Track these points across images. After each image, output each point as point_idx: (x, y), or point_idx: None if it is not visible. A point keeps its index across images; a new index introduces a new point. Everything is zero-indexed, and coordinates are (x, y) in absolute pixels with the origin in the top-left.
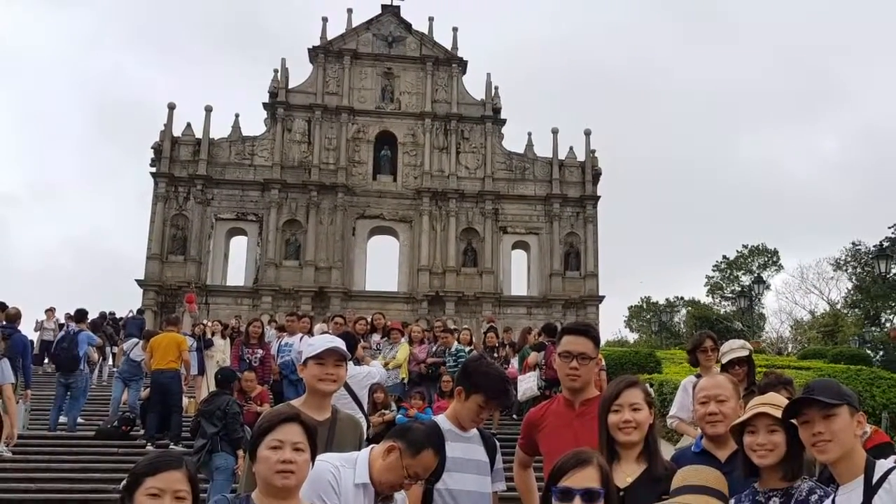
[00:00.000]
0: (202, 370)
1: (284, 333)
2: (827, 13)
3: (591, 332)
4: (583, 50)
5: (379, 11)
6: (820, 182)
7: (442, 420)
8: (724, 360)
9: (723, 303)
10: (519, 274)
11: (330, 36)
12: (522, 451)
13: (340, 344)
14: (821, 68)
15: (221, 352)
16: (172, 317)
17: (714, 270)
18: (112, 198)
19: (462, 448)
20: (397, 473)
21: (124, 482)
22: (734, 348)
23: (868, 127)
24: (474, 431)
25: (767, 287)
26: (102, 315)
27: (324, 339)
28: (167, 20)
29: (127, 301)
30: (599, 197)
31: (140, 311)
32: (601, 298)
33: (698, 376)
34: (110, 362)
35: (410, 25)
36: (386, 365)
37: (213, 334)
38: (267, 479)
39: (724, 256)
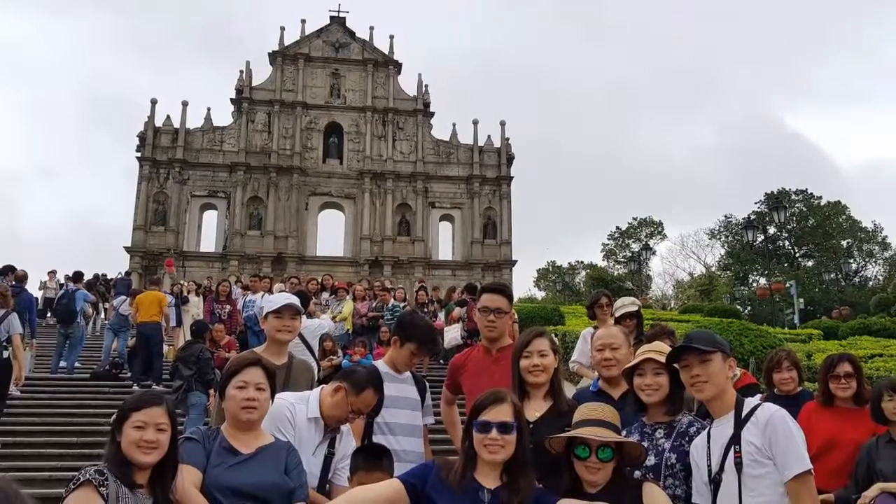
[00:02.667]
0: (179, 322)
1: (248, 292)
2: (695, 19)
3: (505, 291)
4: (500, 53)
5: (328, 21)
6: (698, 164)
7: (380, 364)
8: (617, 314)
9: (616, 266)
10: (445, 242)
11: (286, 42)
12: (448, 390)
13: (295, 301)
14: (695, 67)
15: (196, 307)
16: (154, 278)
17: (609, 239)
18: (104, 178)
19: (397, 388)
20: (343, 409)
21: (115, 416)
22: (626, 304)
23: (736, 118)
24: (408, 374)
25: (653, 253)
26: (96, 276)
27: (282, 297)
28: (152, 28)
29: (116, 264)
30: (513, 177)
31: (127, 273)
32: (514, 262)
33: (595, 328)
34: (102, 316)
35: (354, 33)
36: (334, 318)
37: (188, 293)
38: (234, 413)
39: (618, 227)
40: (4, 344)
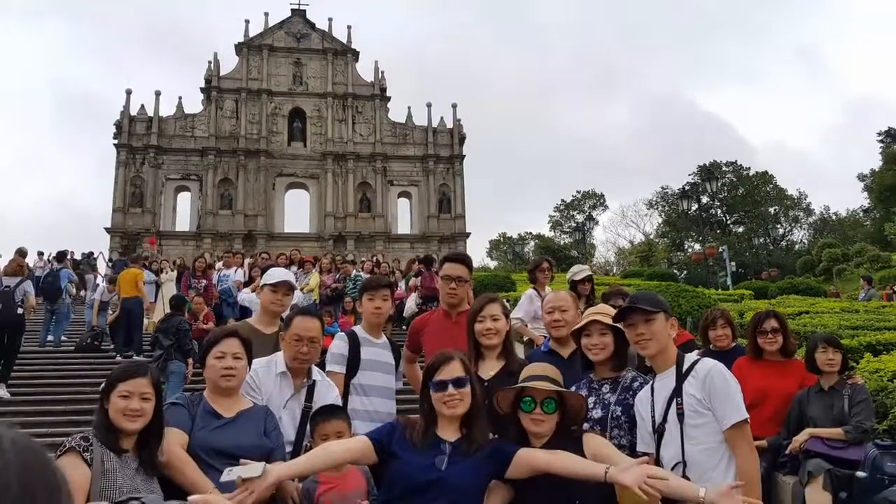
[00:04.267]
0: (156, 297)
1: (224, 267)
2: (606, 14)
3: (466, 261)
4: (449, 41)
5: (289, 14)
6: (634, 141)
7: (358, 330)
8: (576, 279)
9: (563, 236)
10: (403, 217)
11: (251, 34)
12: (409, 350)
13: (292, 279)
14: (610, 57)
15: (170, 281)
16: (134, 256)
17: (555, 211)
18: (83, 166)
19: (374, 352)
20: (289, 347)
21: (102, 386)
22: (583, 269)
23: (660, 99)
24: (384, 339)
25: (596, 223)
26: (83, 255)
27: (280, 273)
28: (123, 24)
29: (98, 243)
30: (465, 156)
31: (122, 254)
32: (468, 234)
33: (535, 289)
34: (90, 292)
35: (314, 25)
36: (301, 290)
37: (163, 270)
38: (214, 381)
39: (563, 200)
40: (20, 304)
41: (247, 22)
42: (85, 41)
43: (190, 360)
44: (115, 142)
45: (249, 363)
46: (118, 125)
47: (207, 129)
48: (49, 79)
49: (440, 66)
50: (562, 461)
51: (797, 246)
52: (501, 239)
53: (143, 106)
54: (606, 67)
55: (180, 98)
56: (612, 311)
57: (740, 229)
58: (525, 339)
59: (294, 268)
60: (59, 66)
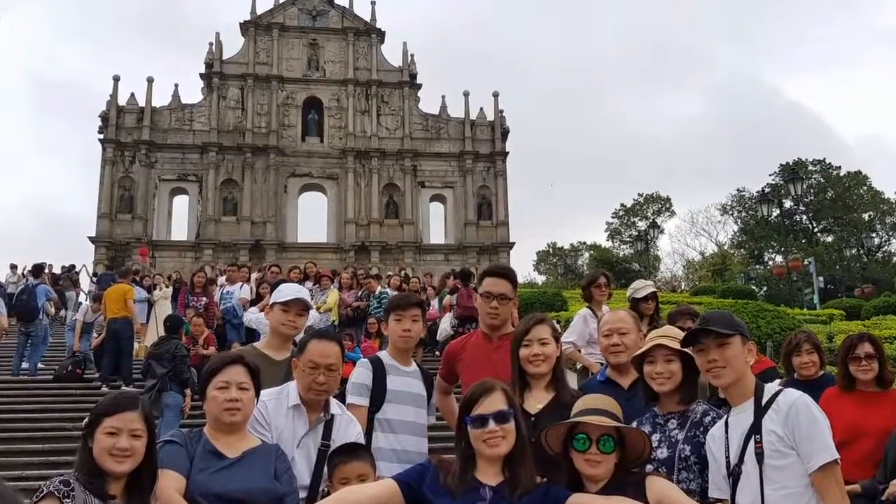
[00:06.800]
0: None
1: (227, 282)
2: None
3: (509, 275)
4: (489, 22)
5: None
6: (705, 137)
7: (384, 355)
8: (638, 296)
9: (622, 246)
10: (437, 224)
11: (259, 11)
12: (443, 379)
13: (306, 295)
14: (674, 39)
15: (165, 299)
16: (122, 269)
17: (613, 217)
18: (63, 165)
19: (402, 382)
20: (303, 377)
21: (86, 420)
22: (647, 285)
23: (734, 88)
24: (414, 367)
25: (661, 231)
26: (64, 268)
27: (293, 289)
28: (112, 1)
29: (80, 255)
30: (508, 153)
31: (109, 268)
32: (512, 244)
33: (589, 308)
34: (72, 312)
35: (332, 0)
36: (318, 309)
37: (156, 286)
38: (216, 416)
39: (622, 204)
40: None
41: None
42: (66, 19)
43: (188, 391)
44: (101, 137)
45: (257, 394)
46: (104, 117)
47: (208, 122)
48: (24, 64)
49: (479, 51)
50: None
51: (895, 258)
52: (551, 250)
53: (133, 95)
54: (670, 51)
55: (176, 86)
56: (680, 334)
57: (829, 238)
58: (578, 366)
59: (309, 283)
60: (37, 49)
